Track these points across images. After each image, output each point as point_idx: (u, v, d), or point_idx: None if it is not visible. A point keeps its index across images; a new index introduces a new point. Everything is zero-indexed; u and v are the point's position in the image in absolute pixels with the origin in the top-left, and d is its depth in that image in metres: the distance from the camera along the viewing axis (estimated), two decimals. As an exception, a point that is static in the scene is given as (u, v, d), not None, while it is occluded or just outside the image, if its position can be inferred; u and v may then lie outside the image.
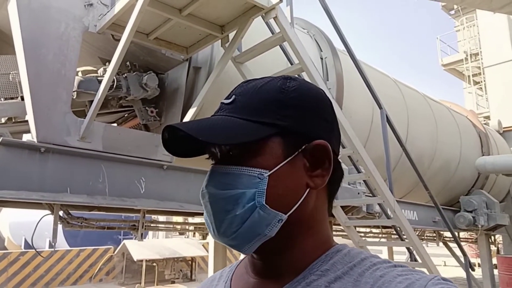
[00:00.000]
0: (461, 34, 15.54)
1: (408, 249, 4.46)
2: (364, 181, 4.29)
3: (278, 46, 3.29)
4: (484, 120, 10.45)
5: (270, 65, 3.62)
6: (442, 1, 8.10)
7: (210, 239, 7.25)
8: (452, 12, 16.18)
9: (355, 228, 4.21)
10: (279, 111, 0.64)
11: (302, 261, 0.65)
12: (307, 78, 3.08)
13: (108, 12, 2.75)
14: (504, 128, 9.64)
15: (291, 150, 0.64)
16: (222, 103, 0.68)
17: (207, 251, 9.67)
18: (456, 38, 16.13)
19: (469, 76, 14.79)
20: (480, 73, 14.17)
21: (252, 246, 0.63)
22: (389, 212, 4.33)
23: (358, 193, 4.29)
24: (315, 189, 0.65)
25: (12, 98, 3.06)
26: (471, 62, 14.82)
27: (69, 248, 11.40)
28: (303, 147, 0.65)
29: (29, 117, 2.63)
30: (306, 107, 0.66)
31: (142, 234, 3.70)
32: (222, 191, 0.63)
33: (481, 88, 14.96)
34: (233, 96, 0.67)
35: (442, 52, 15.98)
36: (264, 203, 0.61)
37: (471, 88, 14.95)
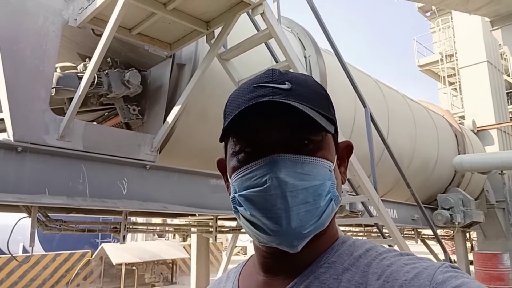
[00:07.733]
0: (437, 36, 15.91)
1: (389, 246, 4.51)
2: (348, 179, 4.30)
3: (263, 44, 3.26)
4: (459, 120, 10.71)
5: (254, 63, 3.59)
6: (422, 2, 8.24)
7: (192, 240, 7.10)
8: (428, 14, 16.56)
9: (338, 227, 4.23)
10: (331, 108, 0.67)
11: (313, 255, 0.64)
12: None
13: (89, 5, 2.65)
14: (478, 127, 9.89)
15: (335, 147, 0.67)
16: (274, 87, 0.61)
17: (189, 253, 9.55)
18: (432, 40, 16.54)
19: (444, 77, 15.15)
20: (455, 74, 14.53)
21: (307, 240, 0.61)
22: (372, 210, 4.37)
23: (342, 192, 4.30)
24: (343, 184, 0.69)
25: (-15, 95, 2.92)
26: (446, 63, 15.20)
27: (44, 253, 11.04)
28: (339, 145, 0.69)
29: (5, 115, 2.51)
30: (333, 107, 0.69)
31: (124, 236, 3.59)
32: (302, 182, 0.58)
33: (455, 88, 15.37)
34: (287, 83, 0.62)
35: (419, 53, 16.35)
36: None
37: (446, 88, 15.33)
